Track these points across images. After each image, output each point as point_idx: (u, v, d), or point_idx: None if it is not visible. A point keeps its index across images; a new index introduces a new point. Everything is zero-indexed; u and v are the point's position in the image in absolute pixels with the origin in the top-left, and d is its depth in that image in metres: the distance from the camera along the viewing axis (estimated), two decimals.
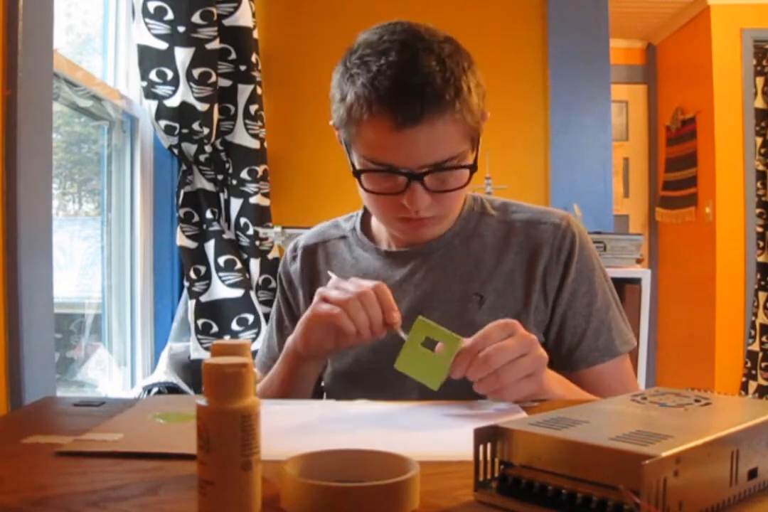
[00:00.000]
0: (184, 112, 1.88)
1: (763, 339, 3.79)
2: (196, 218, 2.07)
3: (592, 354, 1.00)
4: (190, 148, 1.97)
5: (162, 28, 1.85)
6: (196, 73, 1.88)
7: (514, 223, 1.06)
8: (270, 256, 2.19)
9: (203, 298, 2.05)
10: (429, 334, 0.82)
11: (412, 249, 1.06)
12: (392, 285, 1.04)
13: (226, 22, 2.06)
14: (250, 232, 2.13)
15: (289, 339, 0.96)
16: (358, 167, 0.96)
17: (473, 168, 0.94)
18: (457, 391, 0.96)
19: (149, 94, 1.89)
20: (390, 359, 1.03)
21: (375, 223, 1.12)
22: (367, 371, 1.04)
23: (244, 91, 2.13)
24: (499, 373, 0.78)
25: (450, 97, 0.88)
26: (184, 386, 1.93)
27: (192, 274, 2.04)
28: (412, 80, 0.87)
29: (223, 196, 2.14)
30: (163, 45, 1.86)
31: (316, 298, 0.90)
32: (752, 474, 0.50)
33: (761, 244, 3.82)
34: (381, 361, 1.03)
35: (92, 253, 1.97)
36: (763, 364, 3.77)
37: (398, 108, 0.87)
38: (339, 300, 0.86)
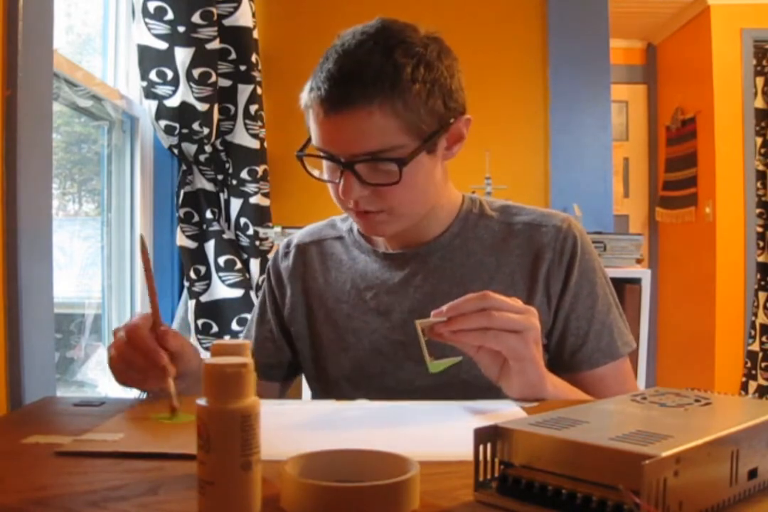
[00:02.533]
0: (184, 112, 1.88)
1: (763, 339, 3.79)
2: (196, 218, 2.07)
3: (594, 355, 1.00)
4: (190, 148, 1.97)
5: (162, 28, 1.85)
6: (196, 73, 1.88)
7: (515, 225, 1.05)
8: (270, 256, 2.19)
9: (203, 298, 2.05)
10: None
11: (410, 250, 1.05)
12: (392, 288, 1.05)
13: (226, 22, 2.06)
14: (250, 232, 2.13)
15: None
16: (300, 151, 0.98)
17: (400, 162, 0.90)
18: (458, 391, 0.97)
19: (149, 94, 1.89)
20: (389, 361, 1.03)
21: None
22: (369, 374, 1.04)
23: (244, 91, 2.13)
24: (490, 313, 0.79)
25: (382, 87, 0.87)
26: None
27: (192, 274, 2.04)
28: (347, 67, 0.88)
29: (223, 196, 2.14)
30: (163, 45, 1.86)
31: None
32: (752, 474, 0.50)
33: (761, 243, 3.82)
34: (382, 364, 1.03)
35: (92, 253, 1.97)
36: (763, 364, 3.77)
37: (327, 94, 0.89)
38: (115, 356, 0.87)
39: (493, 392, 0.89)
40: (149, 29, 1.85)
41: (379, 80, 0.87)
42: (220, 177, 2.12)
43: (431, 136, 0.93)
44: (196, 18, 1.87)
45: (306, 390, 2.28)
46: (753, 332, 3.82)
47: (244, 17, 2.09)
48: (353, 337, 1.06)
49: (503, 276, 1.02)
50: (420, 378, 1.00)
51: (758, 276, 3.82)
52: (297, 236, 1.18)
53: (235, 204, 2.12)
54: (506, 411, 0.81)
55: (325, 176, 0.98)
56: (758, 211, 3.84)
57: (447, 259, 1.04)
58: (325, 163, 0.97)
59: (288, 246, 1.17)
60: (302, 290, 1.12)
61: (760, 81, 3.84)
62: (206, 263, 2.07)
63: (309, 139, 0.99)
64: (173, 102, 1.88)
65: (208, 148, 2.01)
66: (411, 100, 0.89)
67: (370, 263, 1.08)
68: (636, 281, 2.17)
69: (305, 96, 0.94)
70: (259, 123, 2.18)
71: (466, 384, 0.99)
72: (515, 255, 1.03)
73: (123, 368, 0.87)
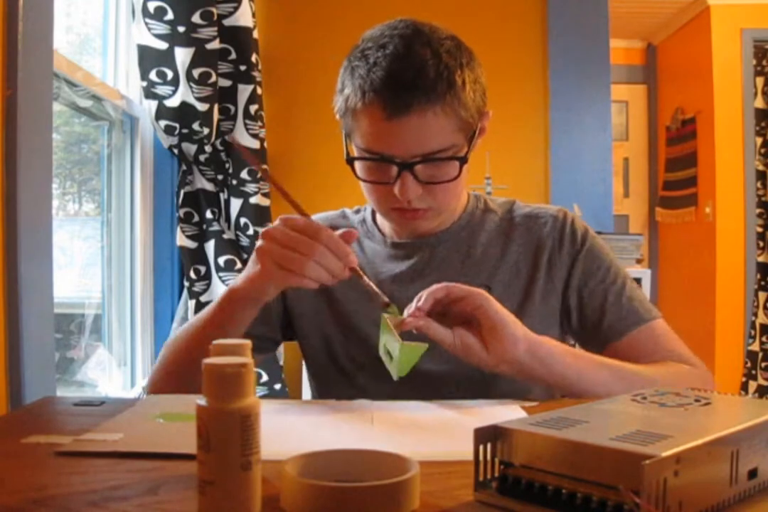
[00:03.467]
0: (184, 112, 1.88)
1: (763, 339, 3.79)
2: (196, 218, 2.07)
3: (619, 324, 1.02)
4: (190, 148, 1.98)
5: (162, 28, 1.85)
6: (196, 73, 1.88)
7: (515, 218, 1.11)
8: None
9: (203, 298, 2.05)
10: (386, 348, 0.86)
11: (419, 240, 1.08)
12: (398, 276, 1.07)
13: (226, 22, 2.06)
14: (250, 232, 2.13)
15: (231, 285, 0.94)
16: (351, 156, 0.98)
17: (463, 160, 0.95)
18: (458, 391, 0.97)
19: (149, 94, 1.89)
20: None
21: (380, 215, 1.14)
22: (374, 358, 1.04)
23: (244, 91, 2.13)
24: (446, 286, 0.85)
25: (441, 89, 0.90)
26: None
27: (192, 274, 2.04)
28: (405, 71, 0.90)
29: (223, 196, 2.14)
30: (163, 45, 1.86)
31: (265, 242, 0.84)
32: (752, 474, 0.50)
33: (761, 243, 3.82)
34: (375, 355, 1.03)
35: (92, 253, 1.97)
36: (763, 364, 3.77)
37: (389, 98, 0.90)
38: (295, 261, 0.82)
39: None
40: (149, 29, 1.85)
41: (438, 83, 0.90)
42: (220, 177, 2.12)
43: (476, 133, 0.98)
44: (196, 18, 1.87)
45: (306, 390, 2.28)
46: (753, 332, 3.82)
47: (244, 17, 2.09)
48: (359, 322, 1.07)
49: (507, 266, 1.06)
50: (424, 364, 1.00)
51: (758, 276, 3.82)
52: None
53: (235, 204, 2.13)
54: (506, 411, 0.81)
55: (369, 177, 0.98)
56: (758, 211, 3.84)
57: (454, 250, 1.08)
58: (370, 165, 0.97)
59: None
60: None
61: (760, 81, 3.84)
62: (206, 263, 2.07)
63: (347, 139, 0.99)
64: (173, 102, 1.88)
65: (208, 148, 2.01)
66: (465, 99, 0.93)
67: (379, 252, 1.11)
68: (636, 281, 2.18)
69: (351, 97, 0.93)
70: (259, 123, 2.18)
71: (466, 383, 1.00)
72: (517, 244, 1.08)
73: (315, 266, 0.82)
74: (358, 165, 0.98)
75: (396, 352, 0.83)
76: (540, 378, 0.89)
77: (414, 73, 0.90)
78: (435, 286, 0.85)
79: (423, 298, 0.84)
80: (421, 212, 0.99)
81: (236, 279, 0.92)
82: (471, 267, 1.06)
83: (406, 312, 0.85)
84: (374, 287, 0.87)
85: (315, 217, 1.18)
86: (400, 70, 0.90)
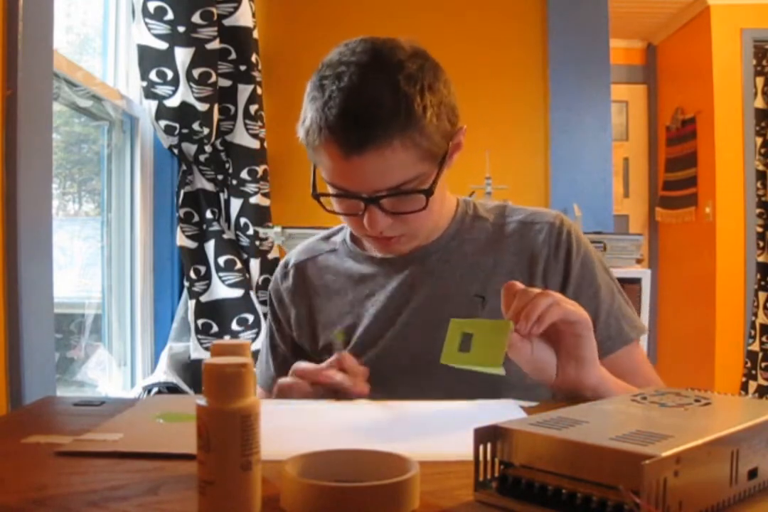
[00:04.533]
0: (184, 112, 1.88)
1: (763, 339, 3.79)
2: (196, 218, 2.07)
3: (605, 343, 1.00)
4: (190, 148, 1.97)
5: (162, 28, 1.85)
6: (196, 73, 1.88)
7: (508, 225, 1.06)
8: (270, 256, 2.19)
9: (203, 298, 2.05)
10: (467, 330, 0.81)
11: (408, 254, 1.05)
12: (391, 292, 1.05)
13: (226, 22, 2.06)
14: (250, 232, 2.13)
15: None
16: (318, 189, 0.97)
17: (428, 192, 0.92)
18: (458, 391, 0.96)
19: (149, 94, 1.89)
20: (398, 366, 1.02)
21: None
22: (381, 380, 1.03)
23: (244, 91, 2.13)
24: (558, 303, 0.79)
25: (399, 123, 0.86)
26: (184, 386, 1.93)
27: (192, 274, 2.04)
28: (358, 108, 0.86)
29: (223, 196, 2.14)
30: (163, 45, 1.86)
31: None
32: (752, 474, 0.50)
33: (761, 243, 3.82)
34: (391, 370, 1.02)
35: (92, 253, 1.97)
36: (763, 364, 3.77)
37: (343, 137, 0.87)
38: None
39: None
40: (149, 29, 1.85)
41: (394, 116, 0.86)
42: (220, 177, 2.12)
43: (444, 158, 0.94)
44: (196, 18, 1.87)
45: None
46: (753, 332, 3.82)
47: (244, 17, 2.09)
48: (359, 345, 1.05)
49: (501, 275, 1.02)
50: (432, 380, 0.99)
51: (758, 276, 3.82)
52: (293, 255, 1.17)
53: (235, 204, 2.13)
54: (506, 411, 0.81)
55: (338, 209, 0.97)
56: (758, 211, 3.83)
57: (444, 261, 1.05)
58: (337, 199, 0.96)
59: (286, 266, 1.16)
60: (306, 307, 1.11)
61: (760, 81, 3.84)
62: (206, 263, 2.07)
63: (314, 175, 0.99)
64: (173, 102, 1.88)
65: (208, 148, 2.01)
66: (426, 128, 0.89)
67: (367, 270, 1.08)
68: (636, 281, 2.17)
69: (310, 133, 0.91)
70: (259, 123, 2.18)
71: (467, 383, 0.99)
72: (511, 253, 1.04)
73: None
74: (323, 199, 0.97)
75: (481, 359, 0.79)
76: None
77: (368, 109, 0.86)
78: (550, 303, 0.79)
79: (544, 321, 0.78)
80: (395, 239, 0.98)
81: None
82: (464, 278, 1.03)
83: (509, 316, 0.81)
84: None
85: (298, 248, 1.17)
86: (354, 106, 0.86)
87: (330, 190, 0.95)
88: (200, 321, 2.03)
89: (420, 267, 1.05)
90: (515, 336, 0.79)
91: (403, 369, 1.02)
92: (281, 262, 1.17)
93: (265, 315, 2.08)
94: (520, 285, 0.82)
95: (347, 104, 0.86)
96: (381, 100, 0.86)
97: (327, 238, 1.16)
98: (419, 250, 1.05)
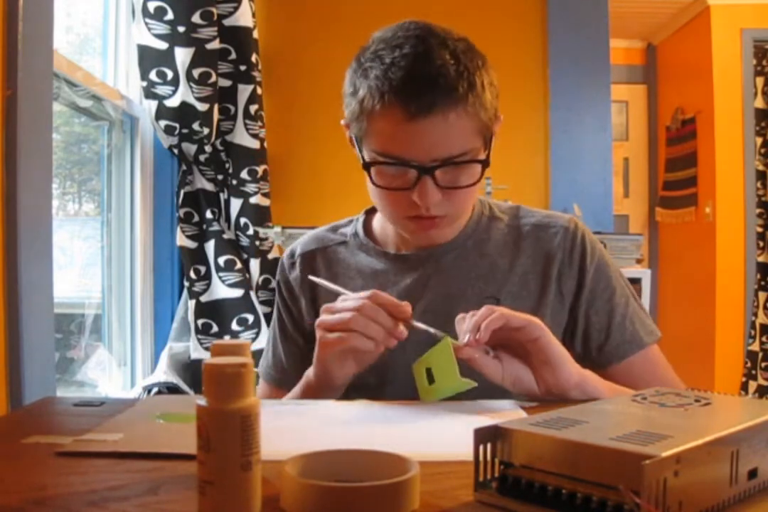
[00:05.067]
0: (184, 112, 1.88)
1: (763, 339, 3.79)
2: (196, 218, 2.07)
3: (621, 348, 1.01)
4: (190, 148, 1.98)
5: (162, 28, 1.85)
6: (196, 73, 1.88)
7: (523, 227, 1.06)
8: (270, 256, 2.20)
9: (203, 298, 2.05)
10: (427, 365, 0.85)
11: (424, 251, 1.04)
12: (404, 289, 1.03)
13: (226, 22, 2.06)
14: (250, 232, 2.13)
15: (309, 375, 0.94)
16: (368, 160, 0.95)
17: (485, 163, 0.93)
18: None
19: (149, 94, 1.89)
20: (406, 363, 1.01)
21: (380, 226, 1.10)
22: (384, 377, 1.02)
23: (244, 91, 2.13)
24: (501, 313, 0.81)
25: (463, 89, 0.87)
26: (184, 386, 1.93)
27: (192, 274, 2.04)
28: (426, 71, 0.87)
29: (223, 196, 2.14)
30: (163, 45, 1.86)
31: (318, 331, 0.88)
32: (752, 474, 0.50)
33: (761, 243, 3.82)
34: (398, 366, 1.00)
35: (92, 253, 1.97)
36: (763, 364, 3.77)
37: (411, 98, 0.86)
38: (343, 322, 0.84)
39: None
40: (149, 29, 1.85)
41: (459, 84, 0.87)
42: (220, 177, 2.12)
43: (491, 137, 0.95)
44: (196, 18, 1.87)
45: None
46: (753, 332, 3.82)
47: (244, 17, 2.10)
48: None
49: (516, 277, 1.02)
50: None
51: (758, 276, 3.82)
52: (300, 245, 1.14)
53: (235, 204, 2.13)
54: (506, 411, 0.81)
55: (385, 183, 0.94)
56: (758, 211, 3.84)
57: (461, 260, 1.04)
58: (387, 171, 0.93)
59: (293, 256, 1.13)
60: (312, 298, 1.10)
61: (760, 81, 3.84)
62: (206, 263, 2.07)
63: (361, 149, 0.96)
64: (173, 102, 1.88)
65: (208, 148, 2.01)
66: (484, 100, 0.90)
67: (380, 265, 1.06)
68: (636, 281, 2.17)
69: (367, 99, 0.89)
70: (259, 123, 2.18)
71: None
72: (526, 256, 1.03)
73: (362, 342, 0.84)
74: (373, 170, 0.94)
75: (445, 383, 0.82)
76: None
77: (435, 73, 0.87)
78: (491, 314, 0.81)
79: (482, 330, 0.80)
80: (438, 220, 0.96)
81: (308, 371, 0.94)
82: (479, 279, 1.02)
83: (460, 338, 0.82)
84: (426, 327, 0.86)
85: (305, 238, 1.15)
86: (421, 69, 0.87)
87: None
88: (200, 321, 2.03)
89: (435, 265, 1.04)
90: (470, 349, 0.80)
91: (410, 367, 1.01)
92: (286, 252, 1.15)
93: (265, 315, 2.09)
94: (462, 314, 0.84)
95: (414, 68, 0.87)
96: (447, 67, 0.87)
97: (335, 229, 1.14)
98: (436, 248, 1.04)
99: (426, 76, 0.87)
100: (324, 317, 0.87)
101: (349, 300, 0.87)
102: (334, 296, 1.07)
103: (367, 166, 0.94)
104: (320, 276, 1.08)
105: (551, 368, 0.83)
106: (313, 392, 0.94)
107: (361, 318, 0.83)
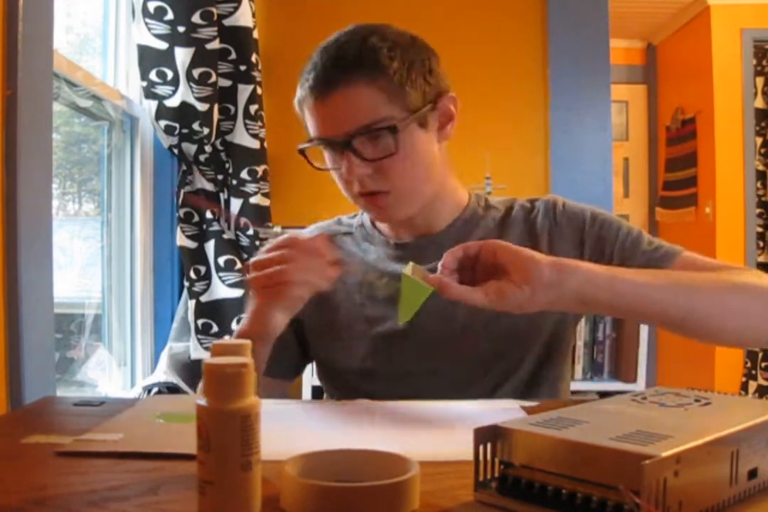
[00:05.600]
0: (184, 112, 1.88)
1: None
2: (196, 218, 2.07)
3: (658, 264, 1.00)
4: (190, 148, 1.97)
5: (162, 28, 1.85)
6: (196, 73, 1.88)
7: (512, 210, 1.11)
8: None
9: (203, 298, 2.05)
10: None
11: (422, 239, 1.08)
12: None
13: (226, 22, 2.06)
14: (250, 232, 2.13)
15: (242, 329, 0.98)
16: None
17: (394, 129, 0.95)
18: (458, 392, 0.97)
19: (149, 94, 1.89)
20: (403, 347, 1.03)
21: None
22: (382, 361, 1.05)
23: (244, 91, 2.13)
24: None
25: (363, 68, 0.94)
26: (184, 386, 1.93)
27: (192, 274, 2.04)
28: (328, 56, 0.96)
29: (223, 196, 2.14)
30: (163, 45, 1.86)
31: (252, 287, 0.94)
32: (752, 474, 0.50)
33: (761, 243, 3.82)
34: (394, 350, 1.03)
35: (92, 253, 1.97)
36: (763, 364, 3.77)
37: (317, 80, 0.96)
38: (277, 275, 0.89)
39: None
40: (149, 29, 1.85)
41: (359, 61, 0.95)
42: (220, 177, 2.12)
43: (418, 110, 0.98)
44: (196, 18, 1.87)
45: (306, 390, 2.28)
46: None
47: (244, 17, 2.09)
48: (367, 325, 1.06)
49: None
50: (434, 361, 1.02)
51: None
52: (305, 232, 1.19)
53: (235, 204, 2.12)
54: (506, 411, 0.81)
55: (323, 165, 1.02)
56: (758, 211, 3.83)
57: (461, 243, 1.05)
58: (326, 155, 1.01)
59: None
60: None
61: (760, 81, 3.84)
62: (206, 263, 2.07)
63: (309, 138, 1.03)
64: (173, 102, 1.88)
65: (208, 148, 2.01)
66: (392, 75, 0.96)
67: (382, 254, 1.10)
68: None
69: (298, 94, 1.00)
70: (259, 123, 2.18)
71: (468, 381, 1.00)
72: (514, 235, 1.07)
73: (298, 274, 0.89)
74: (308, 154, 1.02)
75: (407, 299, 0.81)
76: (588, 299, 0.81)
77: (335, 55, 0.95)
78: (450, 250, 0.84)
79: (443, 260, 0.83)
80: (381, 197, 1.00)
81: (241, 322, 0.96)
82: None
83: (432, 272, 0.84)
84: (364, 269, 0.90)
85: (310, 227, 1.19)
86: (324, 55, 0.96)
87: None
88: (200, 321, 2.03)
89: (436, 252, 1.03)
90: (439, 277, 0.81)
91: (408, 349, 1.03)
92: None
93: None
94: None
95: (322, 53, 0.97)
96: (348, 51, 0.96)
97: (340, 222, 1.19)
98: (435, 235, 1.08)
99: (327, 59, 0.96)
100: (256, 273, 0.92)
101: (272, 251, 0.92)
102: (340, 279, 1.08)
103: (301, 152, 1.03)
104: None
105: (517, 262, 0.80)
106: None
107: (293, 269, 0.89)
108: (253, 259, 0.93)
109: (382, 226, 1.13)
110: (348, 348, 1.07)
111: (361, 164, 0.96)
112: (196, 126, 1.90)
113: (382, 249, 1.11)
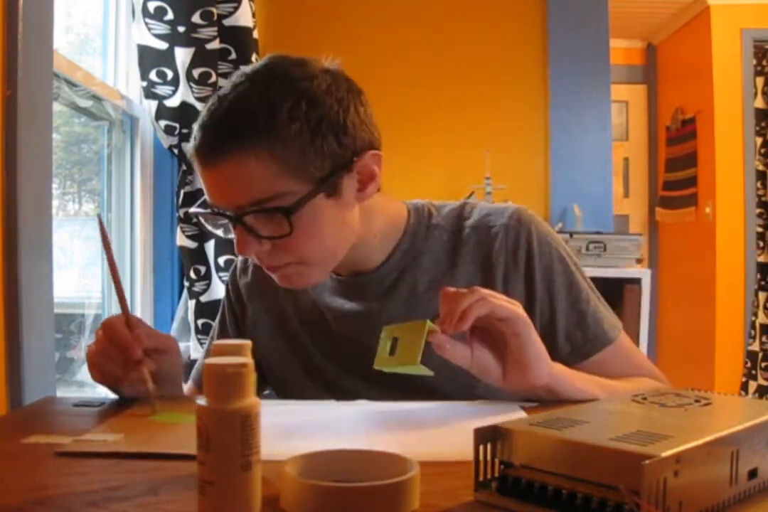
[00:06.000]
0: (184, 112, 1.88)
1: (763, 339, 3.79)
2: (196, 218, 2.07)
3: (584, 346, 0.97)
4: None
5: (162, 28, 1.85)
6: (196, 73, 1.88)
7: (464, 231, 0.99)
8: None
9: (203, 298, 2.05)
10: (395, 334, 0.80)
11: (363, 276, 0.98)
12: (353, 313, 0.99)
13: (226, 22, 2.06)
14: None
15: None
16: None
17: (287, 211, 0.81)
18: (458, 392, 0.96)
19: (149, 94, 1.89)
20: (362, 382, 0.96)
21: None
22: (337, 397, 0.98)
23: None
24: (487, 300, 0.76)
25: (253, 132, 0.80)
26: (184, 386, 1.93)
27: (192, 274, 2.04)
28: (216, 118, 0.83)
29: None
30: (163, 45, 1.86)
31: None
32: (752, 474, 0.50)
33: (761, 243, 3.82)
34: (352, 385, 0.98)
35: (92, 253, 1.97)
36: (763, 364, 3.77)
37: (200, 148, 0.84)
38: (89, 354, 0.86)
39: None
40: (149, 29, 1.85)
41: (251, 122, 0.80)
42: None
43: (326, 179, 0.84)
44: (196, 18, 1.87)
45: None
46: (753, 332, 3.82)
47: (244, 17, 2.09)
48: (322, 359, 1.01)
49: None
50: (395, 397, 0.93)
51: (758, 276, 3.82)
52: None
53: None
54: (506, 411, 0.81)
55: (219, 231, 0.92)
56: (758, 211, 3.84)
57: (401, 280, 0.98)
58: (214, 218, 0.90)
59: (246, 261, 1.10)
60: (264, 308, 1.07)
61: (760, 81, 3.84)
62: (206, 263, 2.07)
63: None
64: (173, 102, 1.88)
65: None
66: (291, 140, 0.81)
67: (328, 286, 1.02)
68: (636, 281, 2.17)
69: (190, 145, 0.88)
70: None
71: (468, 382, 0.98)
72: (467, 262, 0.97)
73: (100, 362, 0.85)
74: (202, 219, 0.91)
75: (404, 360, 0.78)
76: (548, 396, 0.84)
77: (224, 118, 0.82)
78: (479, 300, 0.76)
79: (468, 317, 0.75)
80: (282, 268, 0.88)
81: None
82: (423, 296, 0.96)
83: (439, 321, 0.78)
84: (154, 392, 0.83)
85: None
86: (214, 116, 0.83)
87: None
88: (200, 321, 2.03)
89: (377, 289, 0.98)
90: (443, 337, 0.77)
91: (369, 384, 0.96)
92: (241, 257, 1.10)
93: None
94: (452, 289, 0.79)
95: (210, 110, 0.83)
96: (241, 108, 0.81)
97: None
98: (374, 272, 0.98)
99: (216, 119, 0.82)
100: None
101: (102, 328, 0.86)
102: (288, 310, 1.03)
103: (194, 215, 0.92)
104: (273, 286, 0.99)
105: (522, 367, 0.79)
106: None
107: (97, 355, 0.85)
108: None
109: None
110: (301, 379, 1.02)
111: (254, 240, 0.84)
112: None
113: (329, 282, 1.01)
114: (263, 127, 0.80)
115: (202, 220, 0.92)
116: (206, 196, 0.86)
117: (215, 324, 1.16)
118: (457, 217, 1.00)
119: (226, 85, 0.86)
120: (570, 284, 0.98)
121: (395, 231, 0.98)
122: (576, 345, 0.97)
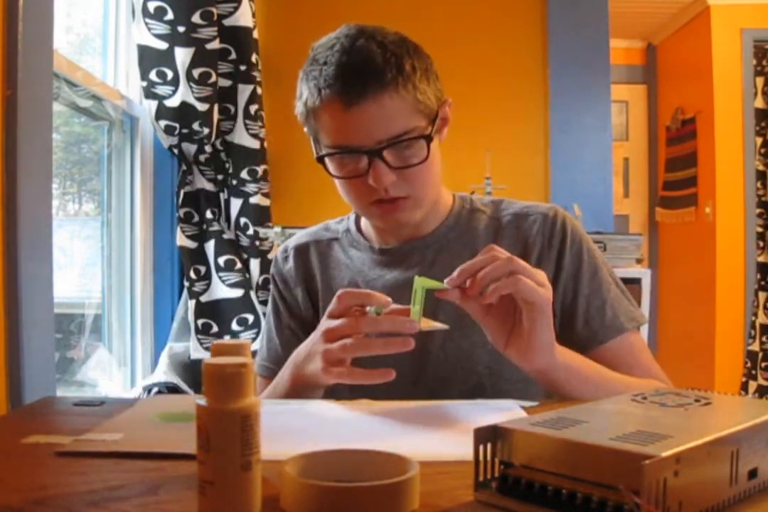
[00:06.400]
0: (184, 112, 1.88)
1: (763, 339, 3.79)
2: (196, 218, 2.07)
3: (600, 332, 1.01)
4: (190, 148, 1.97)
5: (162, 28, 1.85)
6: (196, 73, 1.88)
7: (504, 218, 1.09)
8: (270, 256, 2.19)
9: (203, 298, 2.05)
10: (421, 285, 0.83)
11: (407, 245, 1.07)
12: (390, 283, 1.05)
13: (226, 22, 2.06)
14: (250, 232, 2.13)
15: (287, 378, 0.94)
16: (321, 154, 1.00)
17: (428, 138, 0.96)
18: (457, 391, 0.97)
19: (149, 94, 1.89)
20: (391, 356, 1.01)
21: (365, 223, 1.13)
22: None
23: (244, 91, 2.13)
24: (518, 279, 0.78)
25: (392, 74, 0.92)
26: (184, 386, 1.93)
27: (192, 274, 2.04)
28: (354, 62, 0.93)
29: (223, 196, 2.14)
30: (163, 45, 1.86)
31: (321, 359, 0.86)
32: (752, 474, 0.50)
33: (761, 243, 3.82)
34: (383, 359, 1.02)
35: (92, 253, 1.97)
36: (763, 364, 3.77)
37: (344, 89, 0.92)
38: (346, 349, 0.84)
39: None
40: (149, 29, 1.85)
41: (387, 68, 0.92)
42: (220, 177, 2.12)
43: (435, 118, 0.99)
44: (196, 18, 1.87)
45: None
46: (753, 332, 3.82)
47: (244, 17, 2.10)
48: None
49: None
50: (423, 371, 1.01)
51: (758, 276, 3.82)
52: (293, 240, 1.18)
53: (235, 204, 2.13)
54: (506, 411, 0.81)
55: (342, 173, 0.98)
56: (758, 211, 3.84)
57: (444, 252, 1.06)
58: (341, 161, 0.98)
59: (285, 250, 1.17)
60: (306, 290, 1.13)
61: (760, 81, 3.84)
62: (206, 263, 2.07)
63: (316, 143, 1.01)
64: (173, 102, 1.88)
65: (208, 148, 2.01)
66: (417, 83, 0.95)
67: (367, 260, 1.09)
68: (636, 281, 2.17)
69: (310, 99, 0.96)
70: (259, 123, 2.18)
71: (467, 382, 0.99)
72: (506, 244, 1.03)
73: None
74: (330, 163, 0.99)
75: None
76: (545, 377, 0.88)
77: (362, 63, 0.93)
78: (509, 276, 0.79)
79: (494, 292, 0.79)
80: (401, 202, 0.99)
81: (299, 361, 0.91)
82: None
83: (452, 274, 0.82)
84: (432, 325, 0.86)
85: (299, 234, 1.18)
86: (349, 61, 0.93)
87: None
88: (200, 321, 2.03)
89: (419, 258, 1.06)
90: (455, 293, 0.81)
91: (399, 358, 1.01)
92: (280, 248, 1.19)
93: (265, 314, 2.09)
94: (497, 248, 0.82)
95: (342, 62, 0.93)
96: (373, 55, 0.93)
97: (327, 228, 1.18)
98: (418, 241, 1.07)
99: (354, 66, 0.93)
100: (329, 346, 0.85)
101: (339, 320, 0.86)
102: (328, 286, 1.09)
103: (320, 159, 1.00)
104: (312, 269, 1.12)
105: (525, 348, 0.83)
106: (297, 385, 0.94)
107: (361, 343, 0.83)
108: (326, 325, 0.87)
109: (368, 232, 1.12)
110: None
111: (389, 171, 0.95)
112: (196, 126, 1.90)
113: (367, 254, 1.10)
114: (397, 72, 0.93)
115: (329, 163, 0.99)
116: (335, 139, 0.96)
117: (268, 316, 1.18)
118: (496, 208, 1.11)
119: (328, 44, 0.96)
120: (594, 273, 1.04)
121: (445, 207, 1.10)
122: (592, 329, 1.02)
